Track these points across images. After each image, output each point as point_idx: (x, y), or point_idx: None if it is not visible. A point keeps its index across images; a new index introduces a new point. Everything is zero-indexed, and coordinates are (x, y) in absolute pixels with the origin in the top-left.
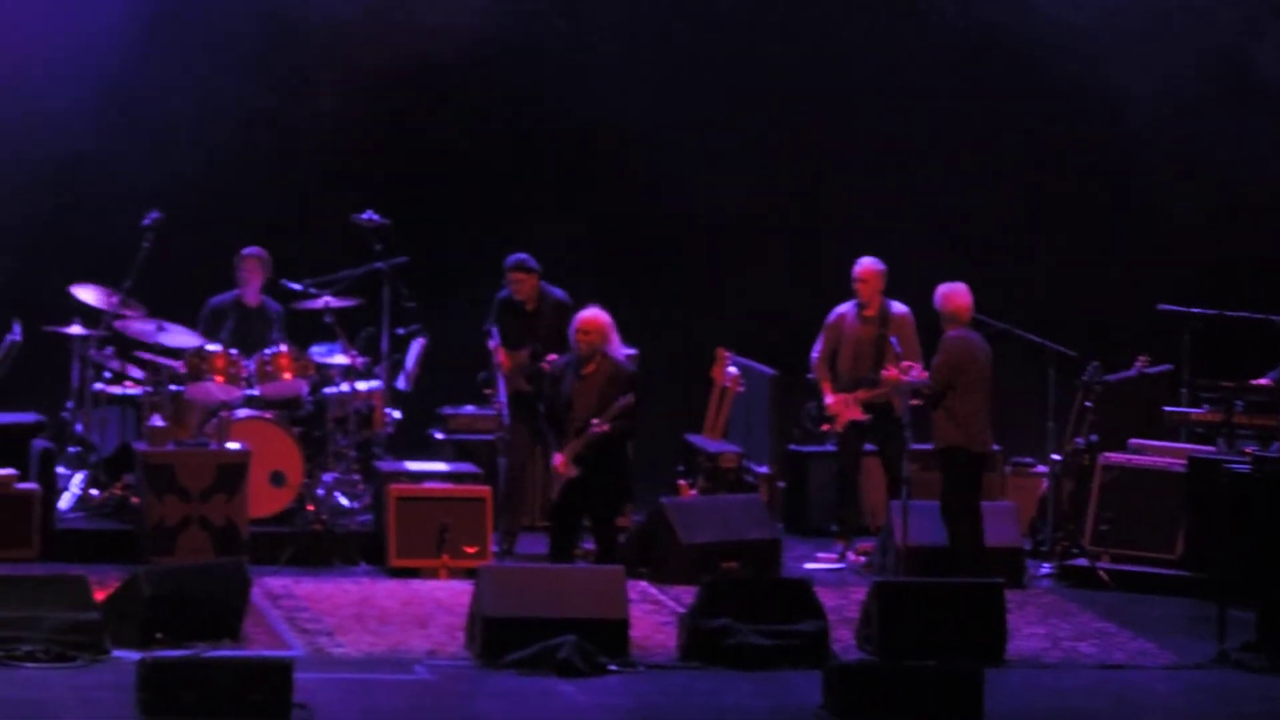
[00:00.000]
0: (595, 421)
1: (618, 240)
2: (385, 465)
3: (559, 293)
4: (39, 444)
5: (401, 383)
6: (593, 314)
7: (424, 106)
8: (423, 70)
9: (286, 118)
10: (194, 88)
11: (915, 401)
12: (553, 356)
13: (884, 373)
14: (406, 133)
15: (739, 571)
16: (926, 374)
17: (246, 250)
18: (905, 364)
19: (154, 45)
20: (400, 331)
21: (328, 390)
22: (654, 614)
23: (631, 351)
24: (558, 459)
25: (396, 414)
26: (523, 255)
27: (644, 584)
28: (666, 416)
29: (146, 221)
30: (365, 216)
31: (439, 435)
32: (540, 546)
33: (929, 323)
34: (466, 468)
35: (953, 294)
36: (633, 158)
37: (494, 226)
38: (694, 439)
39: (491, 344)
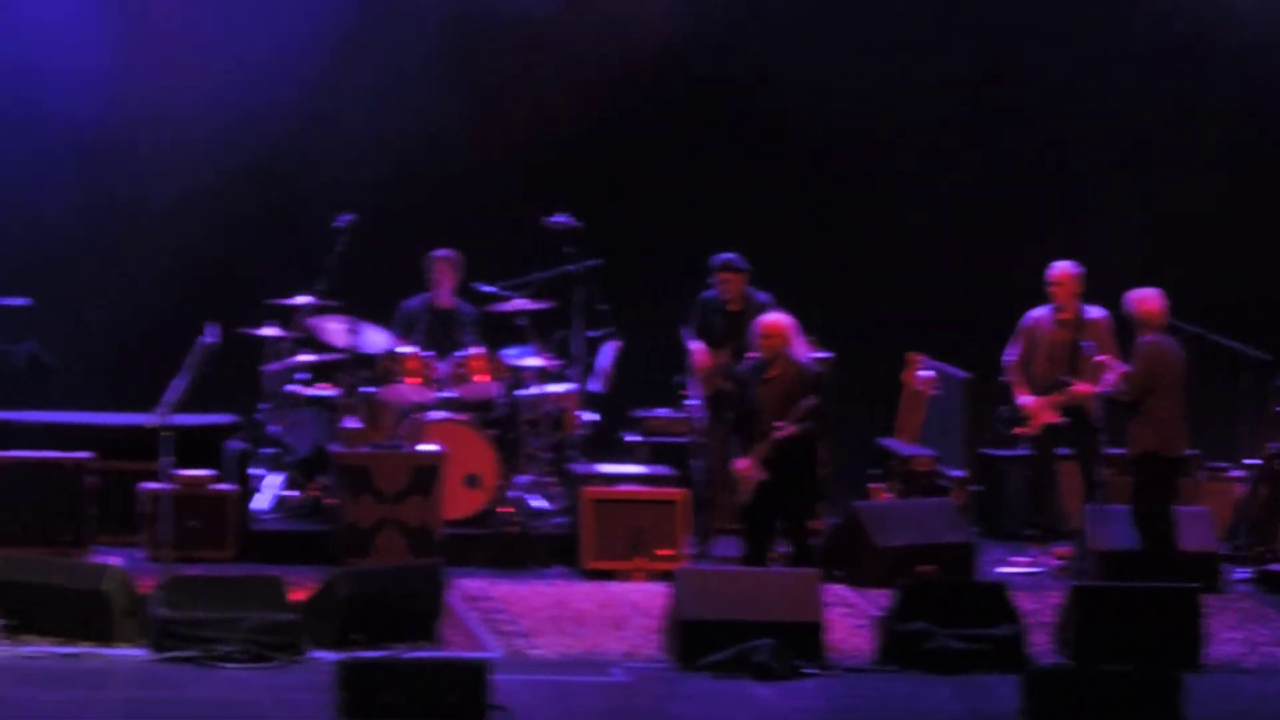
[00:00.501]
0: (779, 424)
1: (813, 243)
2: (579, 467)
3: (764, 296)
4: (234, 445)
5: (594, 385)
6: (773, 319)
7: (617, 107)
8: (616, 70)
9: (480, 120)
10: (388, 90)
11: (1089, 388)
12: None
13: (1076, 386)
14: (599, 133)
15: (935, 575)
16: (1121, 375)
17: (438, 252)
18: (1102, 358)
19: (350, 49)
20: (593, 334)
21: (521, 392)
22: (849, 617)
23: (826, 355)
24: (741, 463)
25: (590, 416)
26: (731, 255)
27: (839, 587)
28: (860, 420)
29: (340, 223)
30: (557, 219)
31: (633, 438)
32: (734, 549)
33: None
34: (661, 470)
35: (1145, 299)
36: (830, 160)
37: (688, 229)
38: (888, 442)
39: (689, 344)
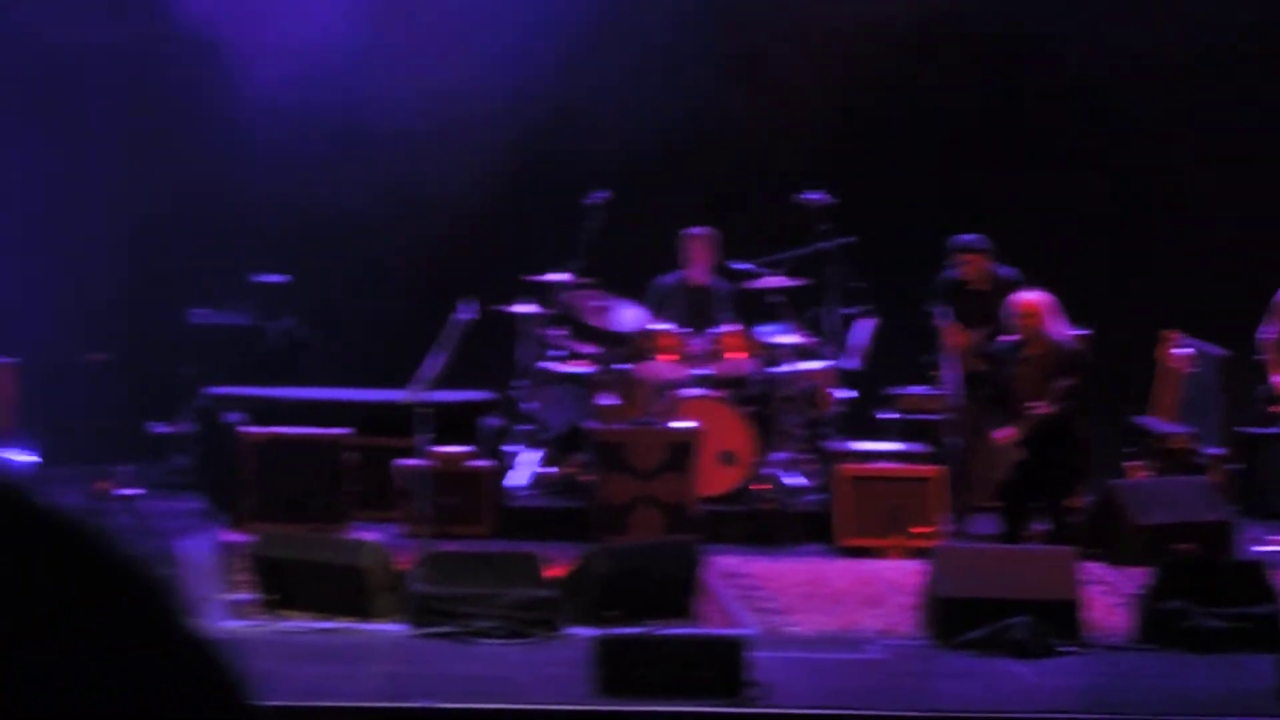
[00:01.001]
0: (1035, 405)
1: (1069, 217)
2: (835, 445)
3: (1009, 271)
4: (491, 422)
5: (850, 362)
6: (1028, 297)
7: (872, 81)
8: (870, 44)
9: (735, 96)
10: (642, 67)
11: None
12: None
13: None
14: (854, 108)
15: (1193, 553)
16: None
17: (693, 230)
18: None
19: (606, 26)
20: (848, 311)
21: (776, 370)
22: (1106, 595)
23: (1084, 332)
24: (1001, 433)
25: (845, 394)
26: (971, 236)
27: (1096, 565)
28: (1117, 398)
29: (594, 200)
30: (812, 195)
31: (887, 415)
32: (990, 526)
33: None
34: (917, 447)
35: None
36: (1085, 134)
37: (943, 204)
38: (1144, 420)
39: (940, 324)
